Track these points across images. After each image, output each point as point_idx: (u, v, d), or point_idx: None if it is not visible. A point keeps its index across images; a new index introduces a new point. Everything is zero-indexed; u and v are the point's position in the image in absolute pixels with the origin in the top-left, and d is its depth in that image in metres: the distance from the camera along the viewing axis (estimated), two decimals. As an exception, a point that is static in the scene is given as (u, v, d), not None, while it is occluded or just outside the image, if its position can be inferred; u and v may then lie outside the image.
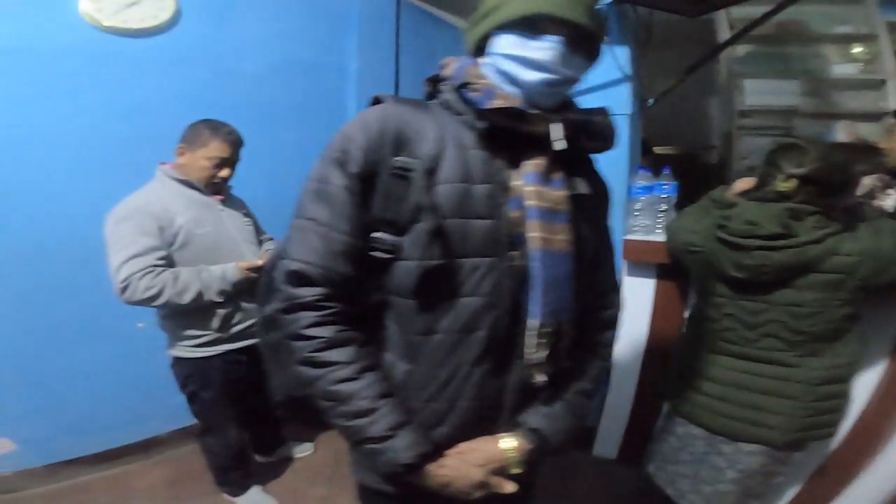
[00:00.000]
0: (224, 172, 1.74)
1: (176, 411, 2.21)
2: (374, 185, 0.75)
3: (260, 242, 1.92)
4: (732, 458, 1.43)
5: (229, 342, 1.75)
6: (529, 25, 0.73)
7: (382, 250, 0.75)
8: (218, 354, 1.74)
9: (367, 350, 0.77)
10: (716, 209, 1.45)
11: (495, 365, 0.79)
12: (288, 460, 2.32)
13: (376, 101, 0.81)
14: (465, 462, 0.78)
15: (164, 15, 2.14)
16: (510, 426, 0.83)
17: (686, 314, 1.81)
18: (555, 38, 0.72)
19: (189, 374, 1.75)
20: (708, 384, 1.45)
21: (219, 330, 1.70)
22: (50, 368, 2.04)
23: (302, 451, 2.37)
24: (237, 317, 1.76)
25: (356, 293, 0.77)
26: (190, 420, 2.17)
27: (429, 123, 0.76)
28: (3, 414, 1.97)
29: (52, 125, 1.95)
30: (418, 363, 0.78)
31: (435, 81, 0.85)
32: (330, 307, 0.75)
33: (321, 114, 2.82)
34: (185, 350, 1.72)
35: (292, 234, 0.77)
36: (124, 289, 1.50)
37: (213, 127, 1.70)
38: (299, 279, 0.74)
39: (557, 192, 0.77)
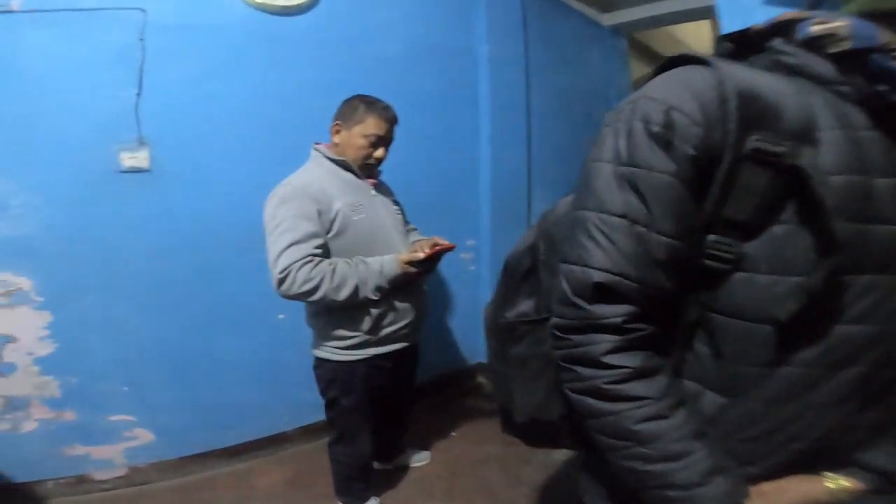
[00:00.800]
0: (379, 152, 1.55)
1: (305, 407, 2.16)
2: (713, 171, 0.56)
3: (406, 233, 1.70)
4: None
5: (377, 346, 1.54)
6: None
7: (720, 259, 0.57)
8: (364, 359, 1.53)
9: (677, 381, 0.62)
10: None
11: (860, 405, 0.60)
12: (404, 469, 2.13)
13: (682, 59, 0.60)
14: None
15: (307, -7, 2.03)
16: (841, 464, 0.64)
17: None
18: None
19: (333, 377, 1.56)
20: None
21: (369, 332, 1.49)
22: (191, 358, 1.95)
23: (419, 459, 2.17)
24: (389, 317, 1.53)
25: (670, 310, 0.60)
26: (316, 417, 2.09)
27: (786, 90, 0.56)
28: (145, 404, 1.90)
29: (209, 106, 1.88)
30: (744, 398, 0.60)
31: (749, 38, 0.64)
32: (639, 329, 0.59)
33: (455, 100, 2.62)
34: (332, 352, 1.52)
35: (589, 232, 0.59)
36: (283, 280, 1.33)
37: (369, 102, 1.52)
38: (604, 294, 0.58)
39: None
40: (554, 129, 3.13)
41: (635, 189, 0.57)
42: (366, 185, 1.57)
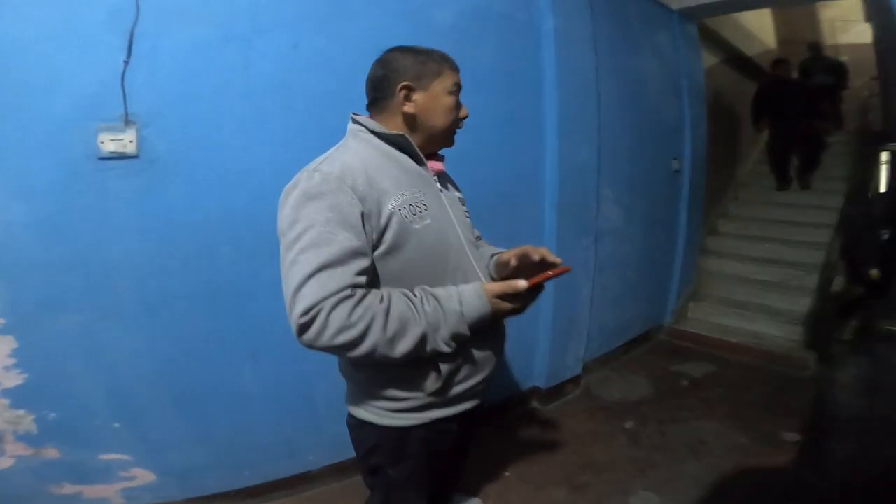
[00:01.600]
0: (465, 110, 1.01)
1: (335, 443, 1.72)
2: None
3: (477, 247, 1.14)
4: None
5: (442, 407, 0.99)
6: None
7: None
8: (423, 424, 0.99)
9: None
10: None
11: None
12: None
13: None
14: None
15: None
16: None
17: None
18: None
19: (377, 444, 1.02)
20: None
21: (434, 393, 0.95)
22: (198, 389, 1.51)
23: (468, 508, 1.66)
24: (463, 372, 0.97)
25: None
26: (348, 454, 1.62)
27: None
28: (143, 441, 1.47)
29: (224, 77, 1.41)
30: None
31: None
32: None
33: (517, 80, 2.08)
34: (377, 414, 0.99)
35: None
36: (306, 325, 0.78)
37: (429, 50, 0.98)
38: None
39: None
40: (624, 120, 2.57)
41: None
42: (429, 174, 0.99)
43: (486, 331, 0.94)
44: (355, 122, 0.97)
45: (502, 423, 2.22)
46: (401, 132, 0.93)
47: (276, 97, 1.48)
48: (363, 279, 0.81)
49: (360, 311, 0.78)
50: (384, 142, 0.94)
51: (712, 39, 3.83)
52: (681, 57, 3.05)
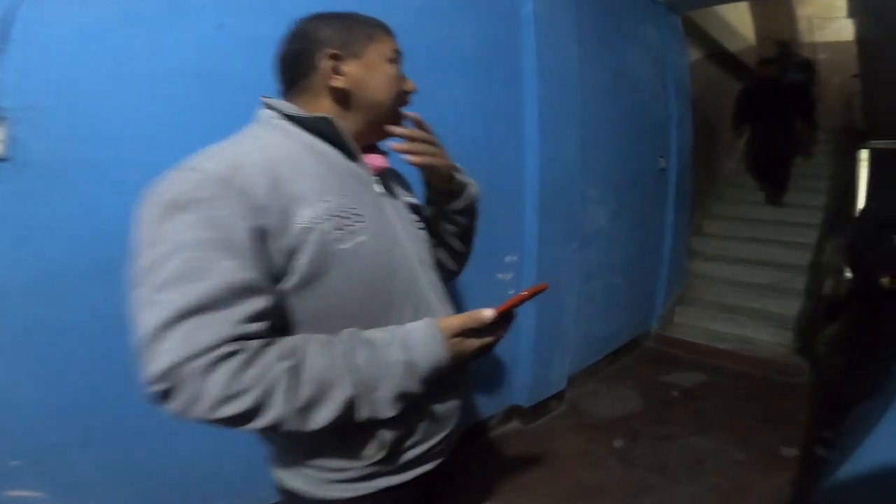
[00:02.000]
0: (411, 83, 0.77)
1: None
2: None
3: (437, 266, 0.87)
4: None
5: (393, 475, 0.74)
6: None
7: None
8: (370, 494, 0.73)
9: None
10: None
11: None
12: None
13: None
14: None
15: None
16: None
17: None
18: None
19: None
20: None
21: (380, 462, 0.70)
22: (118, 427, 1.25)
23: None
24: (417, 434, 0.73)
25: None
26: None
27: None
28: (53, 478, 1.22)
29: (125, 64, 1.13)
30: None
31: None
32: None
33: (494, 62, 1.85)
34: (311, 484, 0.72)
35: None
36: (166, 393, 0.51)
37: (357, 14, 0.74)
38: None
39: None
40: (609, 115, 2.37)
41: None
42: (365, 171, 0.73)
43: (448, 378, 0.69)
44: (268, 104, 0.71)
45: (480, 446, 2.00)
46: (327, 115, 0.68)
47: (193, 86, 1.21)
48: (257, 326, 0.55)
49: (251, 373, 0.53)
50: (304, 130, 0.69)
51: (694, 34, 3.67)
52: (666, 50, 2.87)
